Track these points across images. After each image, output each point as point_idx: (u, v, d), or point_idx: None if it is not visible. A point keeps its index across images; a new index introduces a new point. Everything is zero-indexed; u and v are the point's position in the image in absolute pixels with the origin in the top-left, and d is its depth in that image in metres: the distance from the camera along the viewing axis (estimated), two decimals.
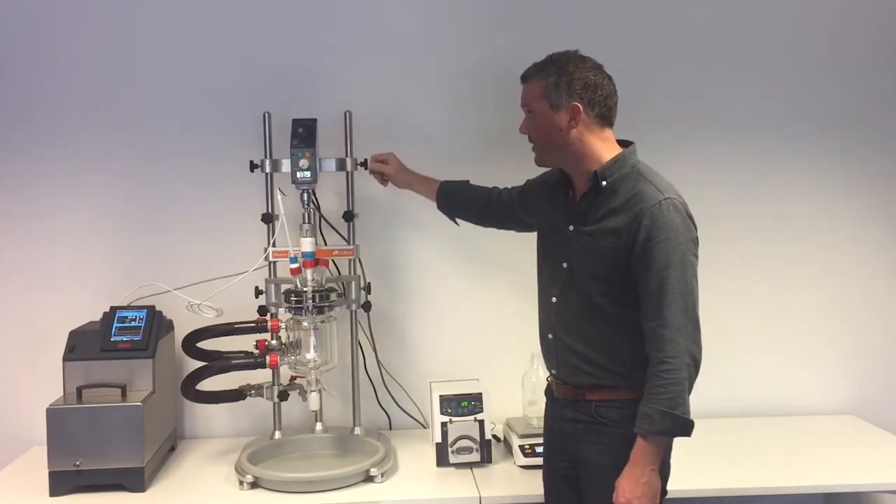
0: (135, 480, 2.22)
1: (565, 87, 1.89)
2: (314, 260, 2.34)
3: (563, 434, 1.99)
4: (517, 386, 2.53)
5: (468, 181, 2.42)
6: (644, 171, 1.89)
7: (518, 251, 2.74)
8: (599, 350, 1.90)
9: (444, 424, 2.37)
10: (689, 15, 2.73)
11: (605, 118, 1.92)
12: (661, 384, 1.76)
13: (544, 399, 2.49)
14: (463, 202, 2.40)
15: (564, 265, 1.95)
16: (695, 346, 1.78)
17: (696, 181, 2.72)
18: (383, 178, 2.51)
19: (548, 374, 2.09)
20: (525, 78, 1.99)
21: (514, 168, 2.73)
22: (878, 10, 2.77)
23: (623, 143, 1.94)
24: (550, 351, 2.01)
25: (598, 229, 1.87)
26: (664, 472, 1.88)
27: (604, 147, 1.91)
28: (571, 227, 1.94)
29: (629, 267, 1.82)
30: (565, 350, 1.95)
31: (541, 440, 2.35)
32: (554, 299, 1.98)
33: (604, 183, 1.87)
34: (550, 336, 2.00)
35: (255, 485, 2.23)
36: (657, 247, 1.78)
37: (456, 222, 2.44)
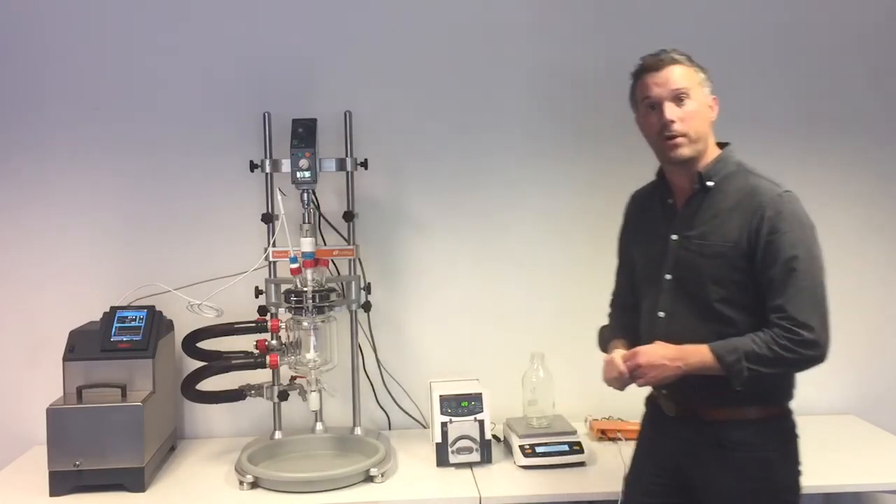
0: (135, 480, 2.21)
1: (708, 80, 1.86)
2: (314, 260, 2.34)
3: (680, 454, 1.88)
4: (517, 386, 2.53)
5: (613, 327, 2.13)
6: (751, 169, 1.85)
7: (518, 251, 2.76)
8: None
9: (444, 424, 2.36)
10: (700, 13, 2.73)
11: None
12: (775, 344, 1.70)
13: (544, 399, 2.50)
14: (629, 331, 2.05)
15: (668, 277, 1.87)
16: (826, 344, 1.72)
17: None
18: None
19: (655, 392, 1.98)
20: (672, 60, 1.84)
21: (515, 168, 2.75)
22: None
23: (720, 145, 1.89)
24: None
25: (710, 231, 1.81)
26: (794, 467, 1.83)
27: (713, 146, 1.88)
28: (675, 236, 1.87)
29: (752, 265, 1.76)
30: None
31: (541, 440, 2.37)
32: (661, 314, 1.88)
33: (709, 183, 1.83)
34: None
35: (255, 485, 2.22)
36: (783, 238, 1.74)
37: None
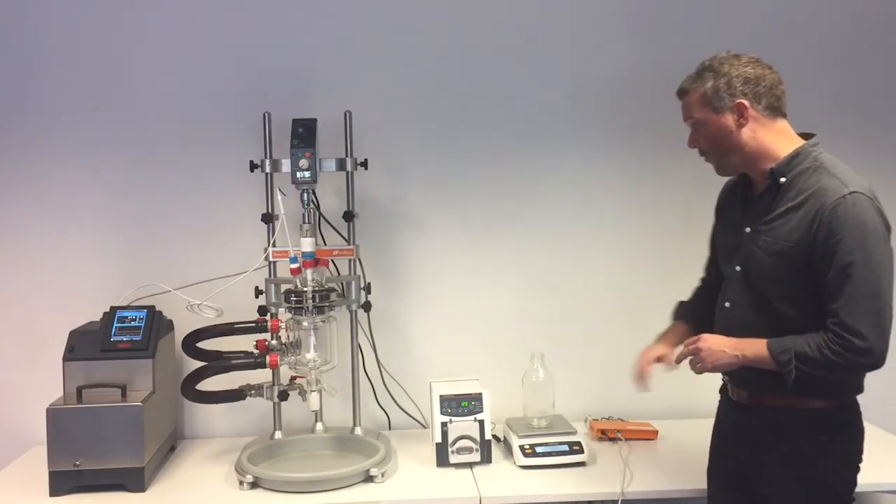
0: (135, 480, 2.22)
1: (725, 87, 1.83)
2: (314, 260, 2.34)
3: (739, 436, 1.95)
4: (517, 386, 2.53)
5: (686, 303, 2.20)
6: (829, 165, 1.79)
7: (518, 251, 2.76)
8: None
9: (444, 424, 2.36)
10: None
11: (775, 109, 1.84)
12: (827, 349, 1.71)
13: (544, 399, 2.50)
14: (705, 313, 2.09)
15: (738, 269, 1.90)
16: (881, 352, 1.71)
17: (694, 173, 2.73)
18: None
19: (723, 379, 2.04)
20: (682, 92, 1.91)
21: (515, 168, 2.75)
22: None
23: (806, 136, 1.86)
24: None
25: (776, 228, 1.81)
26: (845, 461, 1.86)
27: (780, 141, 1.84)
28: (748, 229, 1.88)
29: (812, 267, 1.75)
30: None
31: (541, 440, 2.37)
32: (727, 304, 1.93)
33: (782, 180, 1.81)
34: None
35: (255, 485, 2.22)
36: (840, 243, 1.70)
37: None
